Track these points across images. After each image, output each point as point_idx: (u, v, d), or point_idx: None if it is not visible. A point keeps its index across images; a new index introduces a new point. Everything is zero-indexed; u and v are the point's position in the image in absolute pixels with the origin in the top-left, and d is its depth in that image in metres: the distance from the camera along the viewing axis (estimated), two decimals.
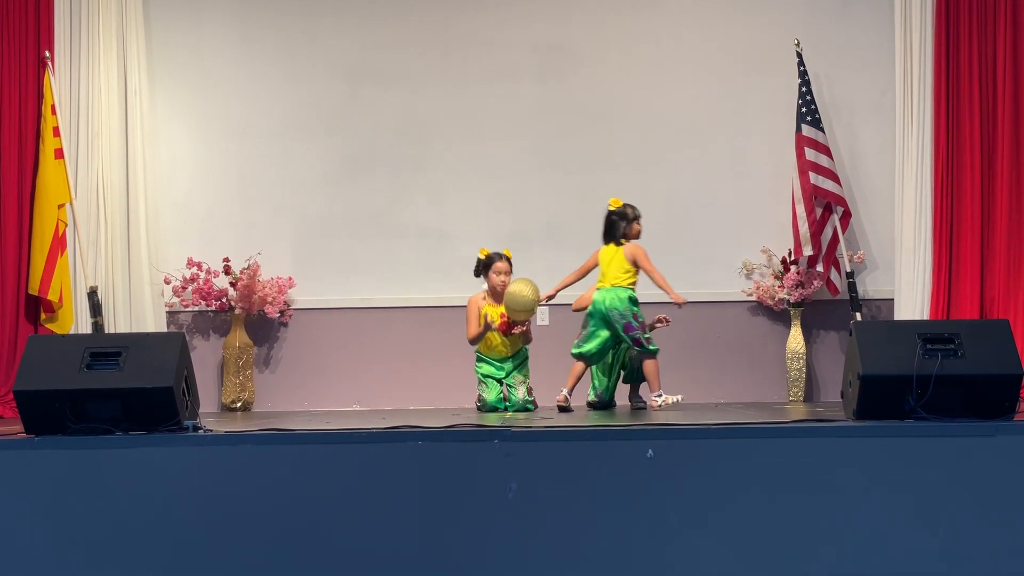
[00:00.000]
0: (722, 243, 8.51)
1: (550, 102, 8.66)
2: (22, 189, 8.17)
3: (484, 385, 7.26)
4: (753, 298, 8.46)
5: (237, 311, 8.38)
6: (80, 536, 4.43)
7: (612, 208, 7.18)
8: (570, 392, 6.89)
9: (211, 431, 4.76)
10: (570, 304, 7.41)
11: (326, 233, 8.68)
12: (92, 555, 4.42)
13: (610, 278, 7.03)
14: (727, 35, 8.63)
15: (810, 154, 8.23)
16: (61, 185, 8.06)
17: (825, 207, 8.27)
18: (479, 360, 7.34)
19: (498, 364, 7.29)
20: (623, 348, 7.11)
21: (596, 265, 7.16)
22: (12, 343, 8.05)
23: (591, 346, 7.01)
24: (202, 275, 8.38)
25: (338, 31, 8.73)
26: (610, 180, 8.40)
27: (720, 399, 8.18)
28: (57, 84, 8.21)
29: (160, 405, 4.70)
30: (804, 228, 8.22)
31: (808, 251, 8.23)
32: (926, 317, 7.98)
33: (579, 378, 7.02)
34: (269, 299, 8.39)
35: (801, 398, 8.26)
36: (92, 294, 8.16)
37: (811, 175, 8.20)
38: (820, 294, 8.37)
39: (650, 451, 4.42)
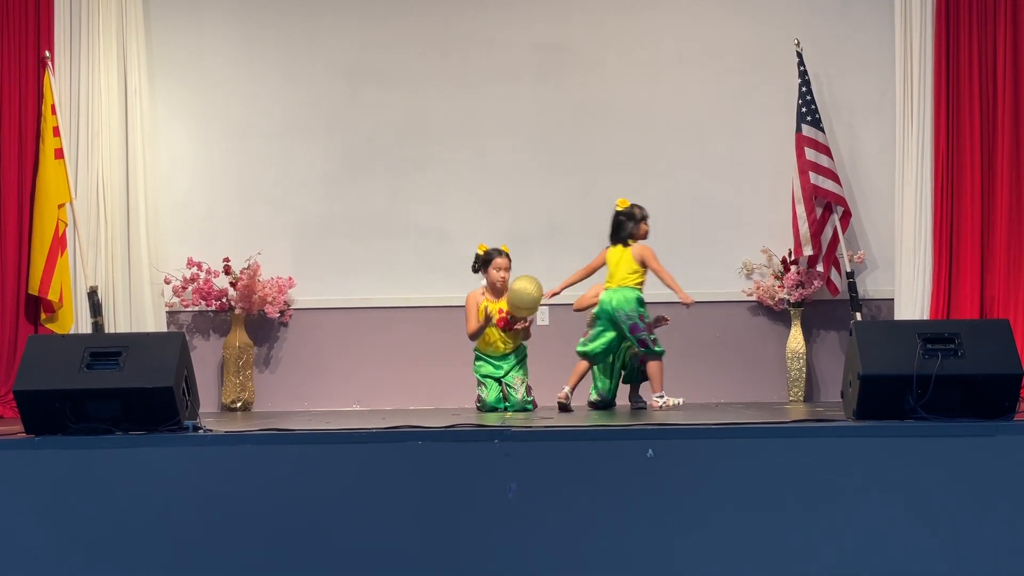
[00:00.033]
0: (722, 243, 8.50)
1: (550, 102, 8.66)
2: (22, 189, 8.16)
3: (483, 385, 7.26)
4: (753, 298, 8.46)
5: (237, 311, 8.38)
6: (80, 536, 4.43)
7: (620, 208, 7.16)
8: (572, 390, 6.89)
9: (211, 431, 4.76)
10: (571, 304, 7.41)
11: (326, 233, 8.67)
12: (92, 555, 4.42)
13: (618, 279, 7.03)
14: (727, 35, 8.62)
15: (810, 154, 8.23)
16: (61, 185, 8.06)
17: (825, 207, 8.27)
18: (478, 360, 7.34)
19: (496, 362, 7.28)
20: (624, 348, 7.11)
21: (602, 265, 7.16)
22: (12, 343, 8.04)
23: (596, 345, 7.01)
24: (202, 275, 8.37)
25: (338, 31, 8.73)
26: (610, 180, 8.41)
27: (720, 399, 8.17)
28: (57, 84, 8.20)
29: (160, 405, 4.70)
30: (804, 228, 8.22)
31: (808, 251, 8.23)
32: (926, 317, 7.98)
33: (582, 377, 7.01)
34: (269, 299, 8.39)
35: (801, 398, 8.25)
36: (92, 294, 8.16)
37: (811, 175, 8.20)
38: (820, 294, 8.37)
39: (650, 451, 4.42)
